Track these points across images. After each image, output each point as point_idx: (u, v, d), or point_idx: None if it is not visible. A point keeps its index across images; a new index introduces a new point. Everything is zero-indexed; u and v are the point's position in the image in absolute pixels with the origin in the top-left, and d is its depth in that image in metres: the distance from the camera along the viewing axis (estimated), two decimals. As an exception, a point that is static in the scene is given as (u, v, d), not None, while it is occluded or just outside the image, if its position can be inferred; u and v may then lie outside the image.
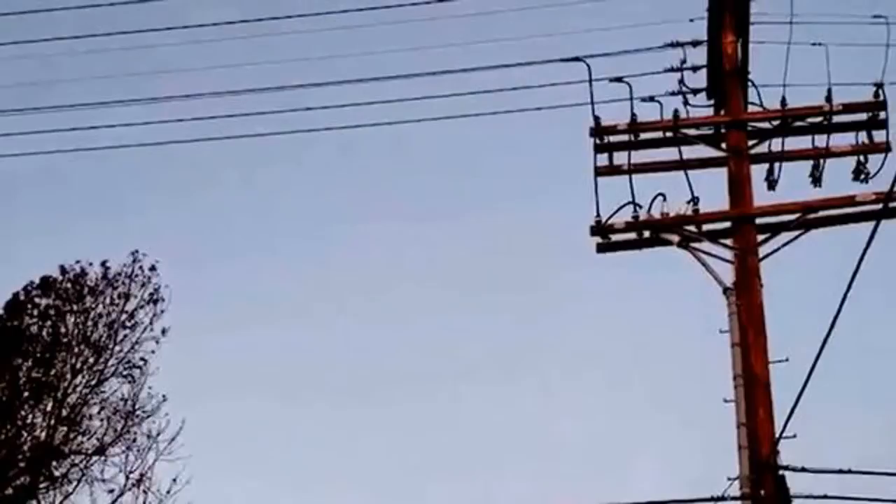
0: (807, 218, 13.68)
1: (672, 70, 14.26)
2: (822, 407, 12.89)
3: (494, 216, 37.41)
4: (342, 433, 33.66)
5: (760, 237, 13.59)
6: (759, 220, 13.69)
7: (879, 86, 13.86)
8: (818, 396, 11.36)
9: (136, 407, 27.65)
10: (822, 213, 13.74)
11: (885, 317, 27.89)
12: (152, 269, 28.67)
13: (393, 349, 35.50)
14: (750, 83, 14.33)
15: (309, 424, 34.30)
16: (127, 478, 26.90)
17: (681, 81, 14.26)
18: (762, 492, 12.42)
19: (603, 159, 14.19)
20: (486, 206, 37.18)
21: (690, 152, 14.19)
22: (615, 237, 14.02)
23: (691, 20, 14.37)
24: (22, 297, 28.01)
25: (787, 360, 12.94)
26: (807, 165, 14.15)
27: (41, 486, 26.78)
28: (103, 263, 28.64)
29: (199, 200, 39.42)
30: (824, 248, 14.19)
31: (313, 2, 15.98)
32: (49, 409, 27.23)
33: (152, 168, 36.35)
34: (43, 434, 27.04)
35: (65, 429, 27.26)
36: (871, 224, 10.55)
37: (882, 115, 13.94)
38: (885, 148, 13.96)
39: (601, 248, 14.11)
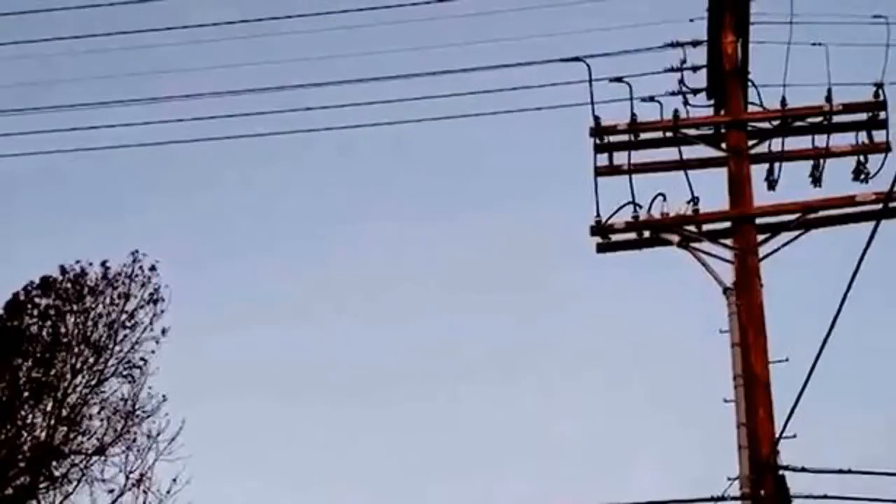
0: (807, 218, 13.68)
1: (672, 70, 14.27)
2: (822, 407, 12.90)
3: (494, 216, 37.46)
4: (342, 433, 33.70)
5: (760, 237, 13.59)
6: (759, 220, 13.69)
7: (879, 86, 13.87)
8: (818, 396, 11.37)
9: (136, 407, 27.66)
10: (822, 213, 13.74)
11: (885, 317, 27.91)
12: (152, 269, 28.68)
13: (393, 349, 35.53)
14: (750, 83, 14.34)
15: (309, 424, 34.31)
16: (127, 478, 26.92)
17: (681, 81, 14.27)
18: (762, 492, 12.42)
19: (603, 159, 14.20)
20: (486, 206, 37.22)
21: (690, 152, 14.19)
22: (615, 237, 14.03)
23: (691, 20, 14.38)
24: (22, 297, 28.01)
25: (787, 360, 12.95)
26: (807, 165, 14.16)
27: (41, 486, 26.78)
28: (103, 263, 28.65)
29: (199, 200, 39.44)
30: (824, 248, 14.20)
31: (313, 2, 16.00)
32: (49, 409, 27.23)
33: (152, 168, 36.37)
34: (43, 434, 27.04)
35: (65, 429, 27.26)
36: (871, 224, 10.56)
37: (882, 115, 13.94)
38: (885, 148, 13.96)
39: (601, 248, 14.11)
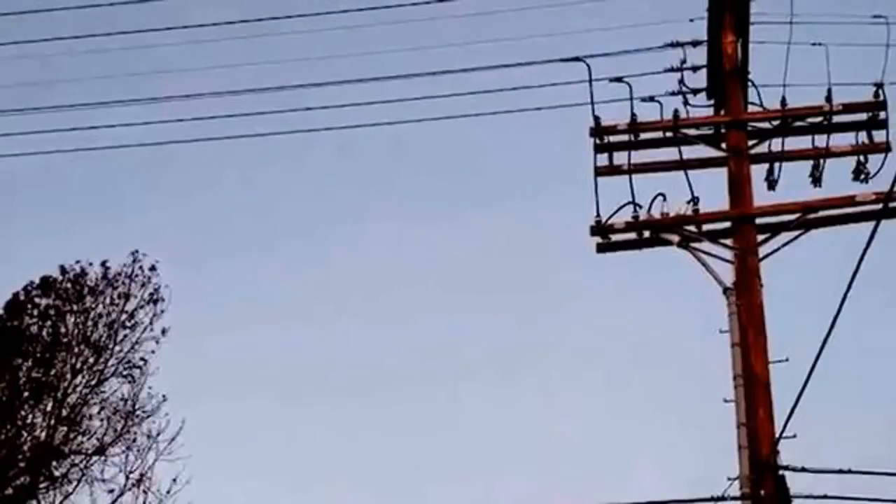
0: (807, 218, 13.68)
1: (672, 70, 14.27)
2: (822, 407, 12.90)
3: (494, 216, 37.47)
4: (342, 433, 33.71)
5: (760, 237, 13.59)
6: (759, 220, 13.69)
7: (879, 86, 13.87)
8: (818, 396, 11.37)
9: (136, 407, 27.67)
10: (822, 213, 13.75)
11: (885, 317, 27.92)
12: (152, 269, 28.69)
13: (393, 349, 35.55)
14: (750, 83, 14.34)
15: (309, 424, 34.33)
16: (127, 478, 26.93)
17: (681, 81, 14.27)
18: (762, 492, 12.43)
19: (603, 159, 14.20)
20: (486, 206, 37.23)
21: (690, 152, 14.20)
22: (615, 237, 14.03)
23: (691, 20, 14.38)
24: (22, 297, 28.01)
25: (787, 360, 12.95)
26: (807, 165, 14.16)
27: (41, 486, 26.78)
28: (103, 263, 28.66)
29: (199, 200, 39.44)
30: (824, 248, 14.21)
31: (313, 2, 16.00)
32: (49, 409, 27.23)
33: (152, 168, 36.38)
34: (43, 434, 27.05)
35: (65, 429, 27.27)
36: (871, 224, 10.56)
37: (882, 115, 13.94)
38: (885, 148, 13.97)
39: (601, 248, 14.11)
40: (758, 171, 14.06)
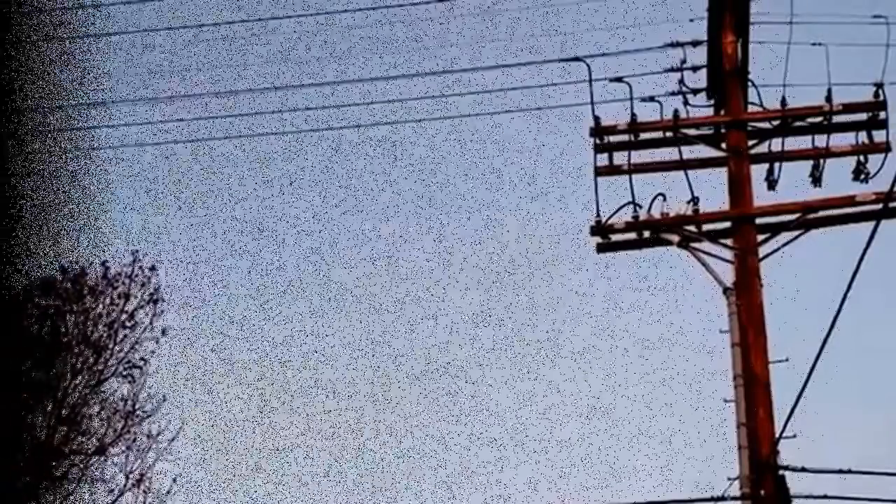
0: (807, 218, 13.69)
1: (672, 70, 14.27)
2: (822, 407, 12.92)
3: (494, 216, 37.46)
4: (342, 432, 33.71)
5: (760, 237, 13.60)
6: (759, 220, 13.70)
7: (879, 86, 13.87)
8: (818, 396, 11.38)
9: (136, 407, 27.63)
10: (822, 213, 13.75)
11: (885, 317, 27.93)
12: (152, 269, 28.67)
13: (393, 349, 35.55)
14: (750, 83, 14.34)
15: (309, 424, 34.33)
16: (127, 478, 26.89)
17: (681, 81, 14.27)
18: (762, 492, 12.43)
19: (603, 159, 14.21)
20: (487, 207, 37.23)
21: (690, 152, 14.21)
22: (615, 237, 14.03)
23: (691, 20, 14.40)
24: (22, 298, 27.99)
25: (787, 360, 12.97)
26: (807, 165, 14.17)
27: (41, 486, 26.77)
28: (103, 263, 28.65)
29: (199, 200, 39.39)
30: (824, 248, 14.23)
31: (313, 2, 16.01)
32: (49, 409, 27.22)
33: (152, 168, 36.35)
34: (43, 434, 27.03)
35: (65, 429, 27.24)
36: (871, 224, 10.58)
37: (882, 115, 13.95)
38: (885, 148, 13.97)
39: (601, 248, 14.12)
40: (758, 171, 14.09)
